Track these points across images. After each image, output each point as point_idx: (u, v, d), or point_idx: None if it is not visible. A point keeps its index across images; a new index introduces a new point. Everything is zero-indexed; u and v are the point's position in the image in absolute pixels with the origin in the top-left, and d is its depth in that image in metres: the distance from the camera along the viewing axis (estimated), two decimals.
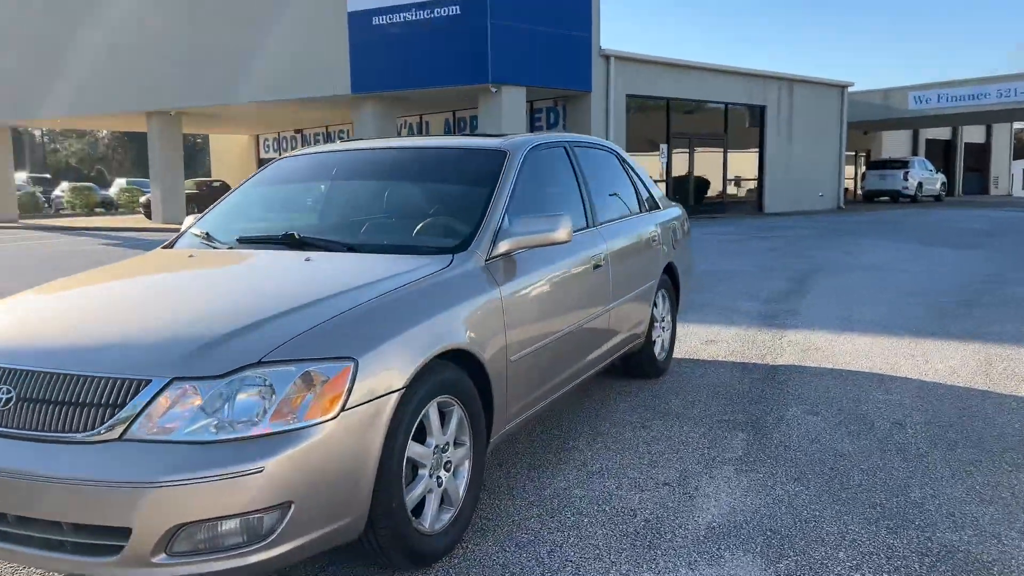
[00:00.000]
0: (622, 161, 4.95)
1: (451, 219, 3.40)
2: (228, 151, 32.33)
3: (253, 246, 3.38)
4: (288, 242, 3.27)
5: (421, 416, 2.61)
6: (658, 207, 5.22)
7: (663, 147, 22.32)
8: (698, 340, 6.24)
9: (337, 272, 2.90)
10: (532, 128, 21.18)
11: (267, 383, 2.21)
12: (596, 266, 3.94)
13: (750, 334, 6.45)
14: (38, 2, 23.50)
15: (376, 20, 18.37)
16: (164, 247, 3.64)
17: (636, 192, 4.96)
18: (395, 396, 2.43)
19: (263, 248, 3.32)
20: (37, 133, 57.85)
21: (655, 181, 19.89)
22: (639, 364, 4.99)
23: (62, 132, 58.25)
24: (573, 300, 3.69)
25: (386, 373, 2.42)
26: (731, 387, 4.92)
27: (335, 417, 2.26)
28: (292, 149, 30.44)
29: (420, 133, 23.95)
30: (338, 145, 4.15)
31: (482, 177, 3.52)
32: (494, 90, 17.61)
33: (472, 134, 3.90)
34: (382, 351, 2.43)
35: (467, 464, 2.90)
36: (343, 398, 2.28)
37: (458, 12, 17.47)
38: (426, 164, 3.82)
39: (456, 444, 2.86)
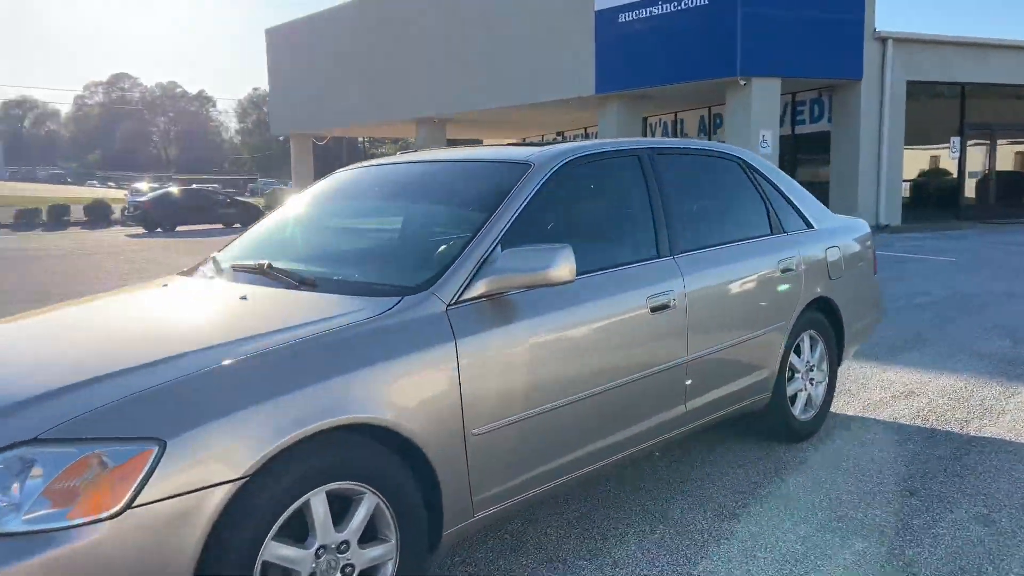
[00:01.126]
0: (749, 171, 3.95)
1: (433, 249, 2.80)
2: None
3: (239, 274, 3.03)
4: (262, 272, 2.89)
5: (297, 506, 2.08)
6: (809, 226, 4.13)
7: (954, 140, 19.19)
8: (890, 391, 4.94)
9: (245, 317, 2.47)
10: (794, 123, 19.31)
11: (37, 467, 1.82)
12: (660, 307, 3.09)
13: (968, 387, 4.99)
14: (330, 31, 26.08)
15: (622, 17, 17.79)
16: (182, 272, 3.44)
17: (768, 210, 3.93)
18: (224, 489, 1.92)
19: (237, 279, 2.96)
20: (360, 139, 64.39)
21: (945, 178, 16.88)
22: (766, 425, 3.98)
23: (379, 138, 64.15)
24: (607, 352, 2.90)
25: (213, 458, 1.92)
26: (892, 465, 3.73)
27: (119, 514, 1.81)
28: None
29: (674, 132, 22.96)
30: (385, 159, 3.71)
31: (486, 198, 2.87)
32: (743, 83, 16.20)
33: (517, 144, 3.25)
34: (211, 429, 1.93)
35: (391, 566, 2.31)
36: (133, 491, 1.82)
37: (706, 2, 16.32)
38: (440, 182, 3.25)
39: (376, 539, 2.29)
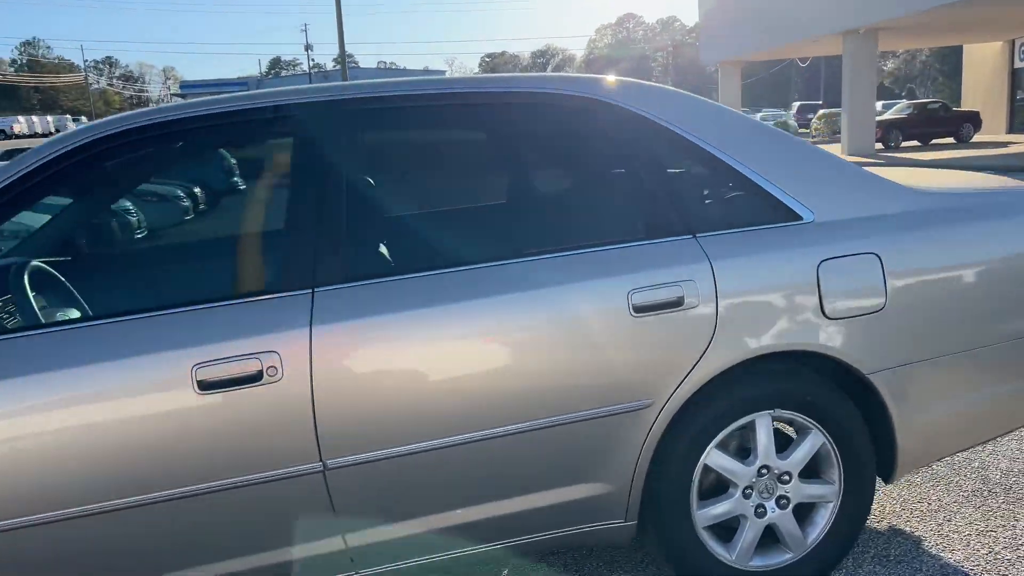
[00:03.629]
0: (617, 122, 2.14)
1: None
2: (982, 63, 27.33)
3: None
4: None
5: None
6: (789, 217, 2.15)
7: None
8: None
9: None
10: None
11: None
12: (233, 381, 1.82)
13: None
14: None
15: None
16: None
17: (644, 191, 2.10)
18: None
19: None
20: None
21: None
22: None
23: (881, 54, 56.12)
24: (59, 461, 1.78)
25: None
26: None
27: None
28: None
29: None
30: None
31: None
32: None
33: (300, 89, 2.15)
34: None
35: None
36: None
37: None
38: None
39: None
